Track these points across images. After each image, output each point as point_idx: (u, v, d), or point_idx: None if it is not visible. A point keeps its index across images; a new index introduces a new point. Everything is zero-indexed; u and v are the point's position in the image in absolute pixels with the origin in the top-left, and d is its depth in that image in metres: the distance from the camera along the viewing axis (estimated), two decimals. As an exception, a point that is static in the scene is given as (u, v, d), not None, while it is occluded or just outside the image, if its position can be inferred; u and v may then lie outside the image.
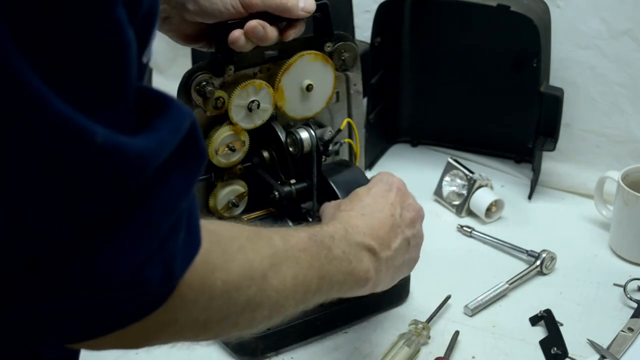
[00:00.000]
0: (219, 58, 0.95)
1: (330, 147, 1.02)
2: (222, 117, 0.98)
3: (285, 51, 0.99)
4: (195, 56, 1.42)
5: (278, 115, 1.02)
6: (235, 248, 0.67)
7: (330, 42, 1.01)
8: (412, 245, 0.91)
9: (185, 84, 0.96)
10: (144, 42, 0.57)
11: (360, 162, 1.09)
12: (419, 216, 0.93)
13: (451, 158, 1.29)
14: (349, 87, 1.06)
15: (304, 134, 0.99)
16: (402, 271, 0.92)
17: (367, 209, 0.89)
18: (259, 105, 0.98)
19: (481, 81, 1.34)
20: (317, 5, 0.95)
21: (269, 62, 0.99)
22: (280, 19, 0.93)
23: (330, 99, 1.04)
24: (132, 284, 0.54)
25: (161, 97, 0.57)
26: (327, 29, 1.00)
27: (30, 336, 0.58)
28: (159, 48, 1.58)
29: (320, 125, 1.05)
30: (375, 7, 1.27)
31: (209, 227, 0.63)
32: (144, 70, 0.60)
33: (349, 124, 1.07)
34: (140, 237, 0.54)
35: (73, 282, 0.52)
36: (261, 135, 1.02)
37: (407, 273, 0.95)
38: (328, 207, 0.94)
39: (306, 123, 1.02)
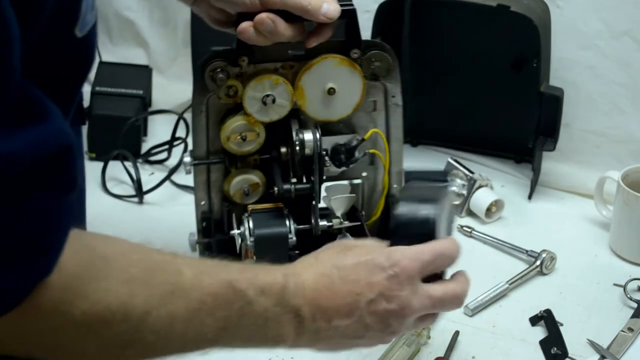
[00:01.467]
0: (234, 48, 0.97)
1: (355, 156, 1.02)
2: (240, 106, 1.00)
3: (312, 51, 0.99)
4: (195, 56, 1.42)
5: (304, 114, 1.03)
6: (120, 279, 0.61)
7: (358, 49, 0.99)
8: (374, 331, 0.75)
9: (201, 68, 0.98)
10: (72, 13, 0.56)
11: (394, 175, 1.07)
12: (401, 314, 0.74)
13: (451, 158, 1.29)
14: (387, 99, 1.04)
15: (307, 136, 0.99)
16: (355, 344, 0.77)
17: (339, 272, 0.73)
18: (274, 100, 0.99)
19: (481, 81, 1.34)
20: (344, 10, 0.95)
21: (293, 60, 0.99)
22: (301, 19, 0.92)
23: (358, 106, 1.02)
24: None
25: (43, 107, 0.54)
26: (355, 35, 0.98)
27: None
28: (159, 48, 1.58)
29: (353, 131, 1.05)
30: (375, 7, 1.27)
31: (100, 252, 0.60)
32: (84, 46, 0.58)
33: (377, 135, 1.05)
34: None
35: None
36: (280, 131, 1.02)
37: (368, 347, 0.81)
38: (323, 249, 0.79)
39: (334, 126, 1.02)
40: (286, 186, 1.01)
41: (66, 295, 0.58)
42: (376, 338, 0.76)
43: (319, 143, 0.99)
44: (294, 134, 1.00)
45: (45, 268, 0.56)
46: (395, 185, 1.07)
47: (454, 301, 0.79)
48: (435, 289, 0.77)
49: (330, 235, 1.03)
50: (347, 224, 1.03)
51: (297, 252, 0.99)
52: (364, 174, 1.07)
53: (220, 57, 0.98)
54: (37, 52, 0.55)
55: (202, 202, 1.05)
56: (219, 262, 0.71)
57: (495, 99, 1.34)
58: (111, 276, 0.60)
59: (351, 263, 0.74)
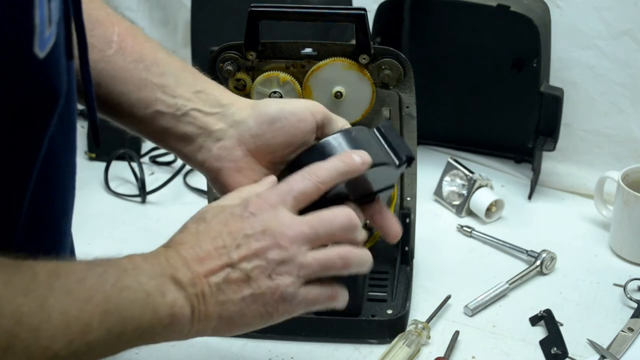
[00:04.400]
0: (244, 42, 0.98)
1: None
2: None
3: (323, 53, 0.99)
4: (196, 56, 1.42)
5: None
6: None
7: (366, 55, 0.98)
8: (257, 280, 0.68)
9: (214, 58, 0.99)
10: (21, 24, 0.51)
11: (407, 188, 1.06)
12: (274, 245, 0.68)
13: (451, 158, 1.29)
14: (401, 109, 1.03)
15: None
16: (249, 313, 0.68)
17: (197, 230, 0.69)
18: (281, 98, 0.99)
19: (481, 81, 1.35)
20: (353, 15, 0.95)
21: (304, 60, 0.99)
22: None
23: (367, 112, 1.01)
24: None
25: None
26: (364, 40, 0.97)
27: None
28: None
29: None
30: (375, 7, 1.27)
31: None
32: (47, 70, 0.53)
33: None
34: None
35: None
36: None
37: (269, 319, 0.70)
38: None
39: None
40: None
41: None
42: (273, 295, 0.68)
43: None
44: None
45: None
46: (408, 198, 1.07)
47: (344, 225, 0.70)
48: (310, 217, 0.69)
49: None
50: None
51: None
52: None
53: (233, 50, 0.99)
54: None
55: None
56: (68, 262, 0.66)
57: (495, 99, 1.35)
58: None
59: (211, 217, 0.70)
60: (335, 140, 0.74)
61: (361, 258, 0.71)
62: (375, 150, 0.75)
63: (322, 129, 0.79)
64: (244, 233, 0.68)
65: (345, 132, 0.75)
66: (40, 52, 0.53)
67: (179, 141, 0.79)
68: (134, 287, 0.63)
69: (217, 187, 0.81)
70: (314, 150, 0.75)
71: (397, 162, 0.76)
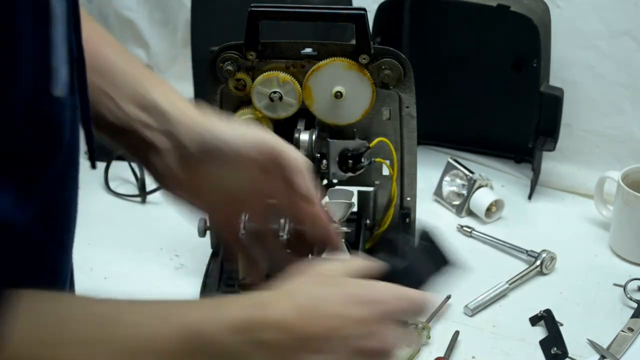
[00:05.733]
0: (244, 42, 0.98)
1: (362, 162, 1.02)
2: (251, 100, 1.01)
3: (323, 53, 0.99)
4: (196, 56, 1.42)
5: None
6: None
7: (366, 55, 0.98)
8: None
9: (214, 58, 1.00)
10: (42, 64, 0.50)
11: (407, 187, 1.07)
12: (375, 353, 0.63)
13: (451, 158, 1.29)
14: (401, 109, 1.03)
15: (303, 136, 0.99)
16: None
17: (315, 303, 0.62)
18: (281, 98, 0.99)
19: (481, 81, 1.34)
20: (353, 15, 0.95)
21: (304, 60, 0.99)
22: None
23: (367, 112, 1.02)
24: None
25: None
26: (364, 40, 0.98)
27: None
28: (159, 48, 1.58)
29: (366, 138, 1.04)
30: (375, 7, 1.27)
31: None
32: (59, 106, 0.52)
33: (386, 144, 1.04)
34: None
35: None
36: (290, 130, 1.02)
37: None
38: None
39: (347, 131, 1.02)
40: None
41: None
42: None
43: (313, 145, 0.99)
44: (295, 133, 1.00)
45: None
46: (408, 198, 1.07)
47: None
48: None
49: None
50: (343, 229, 1.03)
51: (288, 251, 0.98)
52: (377, 182, 1.07)
53: (233, 50, 0.99)
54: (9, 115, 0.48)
55: None
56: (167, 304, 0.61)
57: (495, 99, 1.35)
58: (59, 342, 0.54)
59: (328, 294, 0.63)
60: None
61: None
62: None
63: (279, 170, 0.71)
64: (359, 327, 0.62)
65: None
66: (57, 92, 0.52)
67: (130, 149, 0.73)
68: (228, 353, 0.58)
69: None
70: (407, 270, 0.69)
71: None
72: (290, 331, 0.60)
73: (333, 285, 0.64)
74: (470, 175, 1.25)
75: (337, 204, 1.02)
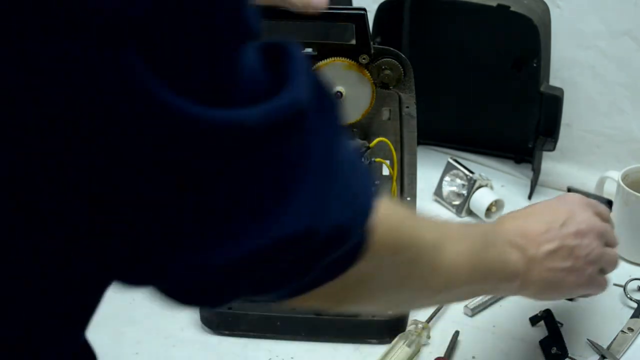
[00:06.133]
0: None
1: None
2: None
3: (323, 53, 0.99)
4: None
5: None
6: (403, 214, 0.70)
7: (366, 55, 0.98)
8: (578, 257, 0.87)
9: None
10: None
11: (407, 187, 1.06)
12: (590, 230, 0.89)
13: (451, 158, 1.29)
14: (401, 109, 1.03)
15: None
16: (566, 282, 0.87)
17: (523, 214, 0.89)
18: None
19: (481, 81, 1.34)
20: (353, 15, 0.94)
21: None
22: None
23: (367, 112, 1.01)
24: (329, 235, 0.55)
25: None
26: (364, 40, 0.97)
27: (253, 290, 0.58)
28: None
29: (366, 138, 1.04)
30: (375, 7, 1.27)
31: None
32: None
33: (386, 144, 1.04)
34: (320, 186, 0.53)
35: (261, 240, 0.52)
36: None
37: (577, 289, 0.91)
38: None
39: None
40: None
41: (392, 221, 0.65)
42: (581, 265, 0.87)
43: None
44: None
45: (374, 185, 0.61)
46: (408, 198, 1.07)
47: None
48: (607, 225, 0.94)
49: None
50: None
51: None
52: (377, 182, 1.07)
53: None
54: None
55: None
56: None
57: (495, 99, 1.34)
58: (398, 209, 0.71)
59: (532, 209, 0.91)
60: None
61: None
62: None
63: None
64: (566, 217, 0.87)
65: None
66: None
67: None
68: (494, 244, 0.80)
69: None
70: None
71: None
72: (518, 232, 0.85)
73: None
74: (470, 175, 1.25)
75: None
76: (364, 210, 0.58)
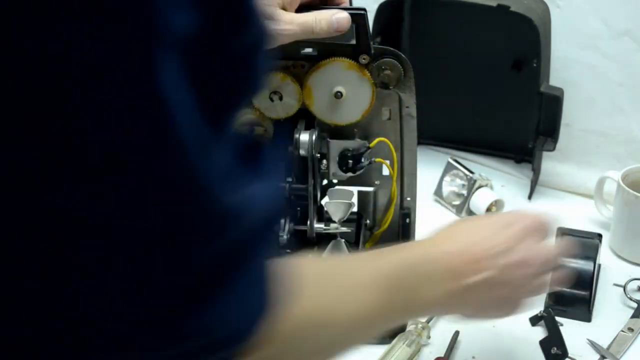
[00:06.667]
0: None
1: (362, 162, 1.02)
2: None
3: (324, 52, 0.99)
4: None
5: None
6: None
7: (366, 55, 0.98)
8: (515, 288, 0.83)
9: None
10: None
11: (407, 187, 1.06)
12: (533, 261, 0.83)
13: (451, 158, 1.29)
14: (401, 109, 1.03)
15: (303, 136, 0.99)
16: (495, 310, 0.86)
17: (470, 232, 0.84)
18: (281, 98, 0.99)
19: (481, 81, 1.34)
20: (353, 15, 0.94)
21: (305, 60, 0.99)
22: None
23: (367, 112, 1.01)
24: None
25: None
26: (364, 40, 0.97)
27: None
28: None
29: (366, 138, 1.04)
30: (375, 7, 1.27)
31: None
32: None
33: (386, 144, 1.04)
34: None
35: (186, 332, 0.52)
36: (291, 130, 1.02)
37: (503, 316, 0.87)
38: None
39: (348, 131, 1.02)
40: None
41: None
42: (513, 296, 0.84)
43: (313, 145, 0.99)
44: (295, 133, 1.00)
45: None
46: (408, 198, 1.07)
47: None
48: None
49: (329, 238, 1.03)
50: (343, 229, 1.03)
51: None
52: (377, 182, 1.07)
53: None
54: None
55: None
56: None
57: (495, 99, 1.35)
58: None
59: (480, 224, 0.87)
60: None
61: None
62: None
63: None
64: (511, 243, 0.82)
65: None
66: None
67: None
68: (425, 283, 0.77)
69: None
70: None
71: None
72: (449, 259, 0.79)
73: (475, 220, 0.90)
74: (470, 175, 1.25)
75: (337, 204, 1.02)
76: (254, 318, 0.56)
